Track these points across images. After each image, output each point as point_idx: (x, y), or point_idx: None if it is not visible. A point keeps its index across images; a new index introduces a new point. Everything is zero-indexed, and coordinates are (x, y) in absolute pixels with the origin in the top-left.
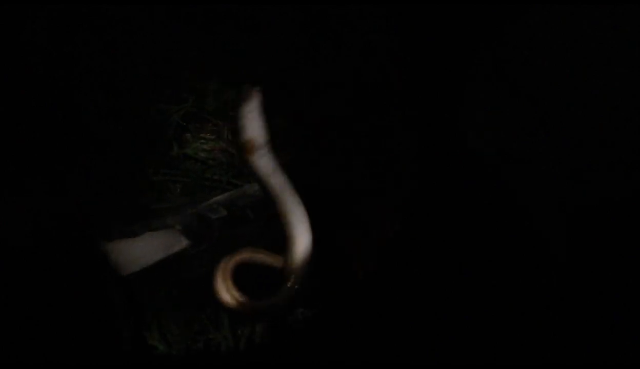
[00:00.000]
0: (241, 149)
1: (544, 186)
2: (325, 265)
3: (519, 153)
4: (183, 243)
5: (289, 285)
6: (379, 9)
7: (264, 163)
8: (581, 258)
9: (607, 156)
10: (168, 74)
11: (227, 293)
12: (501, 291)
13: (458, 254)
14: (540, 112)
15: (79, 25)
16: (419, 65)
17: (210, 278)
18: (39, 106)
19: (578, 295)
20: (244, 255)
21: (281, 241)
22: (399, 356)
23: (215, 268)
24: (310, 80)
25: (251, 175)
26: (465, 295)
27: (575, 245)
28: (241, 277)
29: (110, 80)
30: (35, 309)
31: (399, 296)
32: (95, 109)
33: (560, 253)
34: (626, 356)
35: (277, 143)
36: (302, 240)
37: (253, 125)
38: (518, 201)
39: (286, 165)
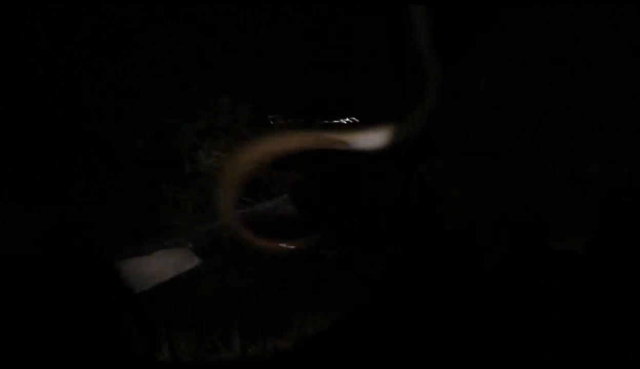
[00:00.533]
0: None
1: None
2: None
3: None
4: (195, 261)
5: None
6: None
7: None
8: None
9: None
10: (182, 91)
11: None
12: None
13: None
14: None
15: (98, 41)
16: None
17: (222, 297)
18: (53, 122)
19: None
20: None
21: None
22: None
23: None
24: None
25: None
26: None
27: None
28: None
29: (124, 96)
30: (45, 326)
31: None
32: (108, 126)
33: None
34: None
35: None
36: None
37: None
38: None
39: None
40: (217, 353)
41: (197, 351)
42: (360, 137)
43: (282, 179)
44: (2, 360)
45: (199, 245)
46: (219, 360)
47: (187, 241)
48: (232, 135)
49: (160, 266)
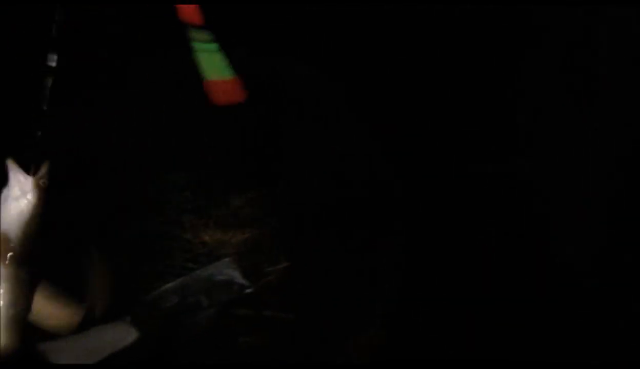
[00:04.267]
0: None
1: None
2: None
3: None
4: (133, 335)
5: None
6: None
7: None
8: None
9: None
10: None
11: None
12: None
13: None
14: None
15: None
16: None
17: None
18: None
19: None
20: None
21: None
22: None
23: None
24: None
25: None
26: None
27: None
28: None
29: None
30: None
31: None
32: None
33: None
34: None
35: None
36: None
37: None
38: None
39: None
40: None
41: None
42: None
43: (226, 241)
44: None
45: (137, 318)
46: None
47: (124, 315)
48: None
49: (95, 343)
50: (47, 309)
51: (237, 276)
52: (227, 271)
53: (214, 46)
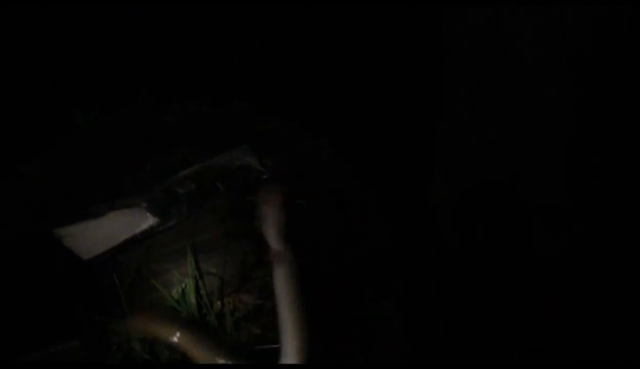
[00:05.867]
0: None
1: None
2: None
3: None
4: (150, 220)
5: None
6: None
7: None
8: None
9: None
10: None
11: None
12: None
13: None
14: None
15: None
16: None
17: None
18: None
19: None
20: None
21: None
22: None
23: None
24: None
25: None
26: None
27: None
28: None
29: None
30: None
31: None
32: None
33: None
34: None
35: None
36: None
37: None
38: None
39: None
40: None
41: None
42: None
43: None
44: None
45: (154, 204)
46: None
47: (140, 200)
48: None
49: (112, 228)
50: None
51: (254, 163)
52: (244, 157)
53: None
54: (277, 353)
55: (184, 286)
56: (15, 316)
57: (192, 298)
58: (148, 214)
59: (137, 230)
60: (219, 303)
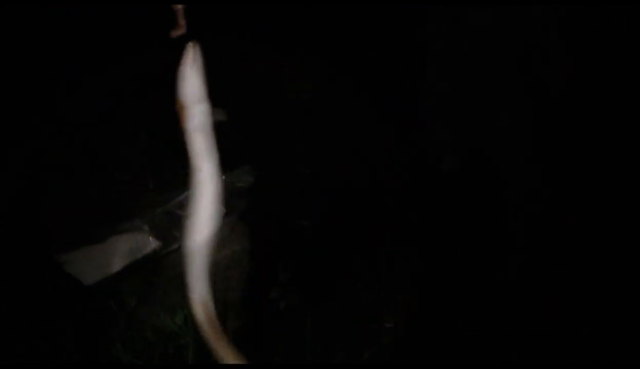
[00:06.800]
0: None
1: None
2: None
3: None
4: (152, 244)
5: None
6: None
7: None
8: None
9: None
10: None
11: None
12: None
13: None
14: None
15: None
16: None
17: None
18: None
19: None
20: None
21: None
22: None
23: None
24: None
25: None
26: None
27: None
28: None
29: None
30: None
31: None
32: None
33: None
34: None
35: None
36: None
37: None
38: None
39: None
40: (176, 339)
41: (156, 338)
42: None
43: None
44: None
45: (156, 227)
46: (179, 347)
47: (142, 224)
48: None
49: (114, 253)
50: None
51: (256, 184)
52: (246, 178)
53: None
54: None
55: (186, 311)
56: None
57: (193, 323)
58: (150, 238)
59: (139, 255)
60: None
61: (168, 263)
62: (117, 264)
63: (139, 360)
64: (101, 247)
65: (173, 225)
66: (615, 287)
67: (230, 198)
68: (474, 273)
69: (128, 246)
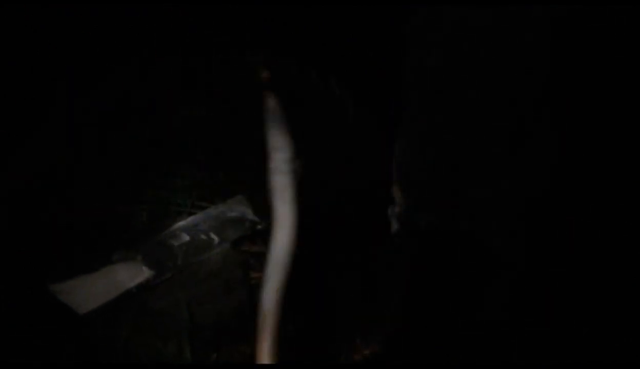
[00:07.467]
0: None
1: None
2: None
3: None
4: (145, 273)
5: None
6: None
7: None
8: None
9: None
10: None
11: None
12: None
13: None
14: None
15: None
16: None
17: (175, 308)
18: None
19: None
20: None
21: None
22: None
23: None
24: None
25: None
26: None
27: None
28: None
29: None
30: None
31: None
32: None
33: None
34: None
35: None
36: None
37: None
38: None
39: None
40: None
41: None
42: None
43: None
44: None
45: (149, 257)
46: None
47: (135, 254)
48: None
49: (107, 282)
50: None
51: (249, 213)
52: (239, 208)
53: None
54: None
55: (179, 338)
56: None
57: (187, 351)
58: (143, 267)
59: (133, 284)
60: (215, 355)
61: (161, 291)
62: (111, 293)
63: None
64: (95, 276)
65: (166, 255)
66: (615, 287)
67: (222, 227)
68: (474, 273)
69: (122, 276)
